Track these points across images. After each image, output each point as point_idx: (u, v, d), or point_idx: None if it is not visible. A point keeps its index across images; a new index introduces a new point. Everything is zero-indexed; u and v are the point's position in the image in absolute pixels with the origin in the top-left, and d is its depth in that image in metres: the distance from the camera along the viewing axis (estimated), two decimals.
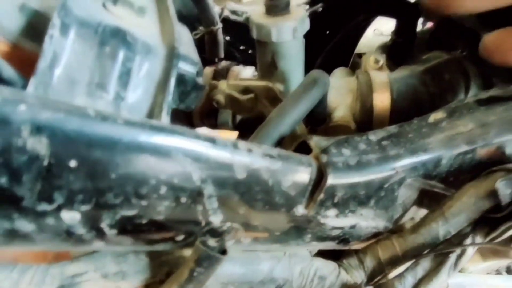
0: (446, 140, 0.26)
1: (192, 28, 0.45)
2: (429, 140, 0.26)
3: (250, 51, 0.50)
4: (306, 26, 0.33)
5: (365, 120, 0.35)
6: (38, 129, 0.14)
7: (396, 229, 0.30)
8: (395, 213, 0.29)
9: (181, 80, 0.27)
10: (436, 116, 0.28)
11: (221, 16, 0.46)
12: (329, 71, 0.51)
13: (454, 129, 0.27)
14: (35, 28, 0.28)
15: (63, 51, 0.19)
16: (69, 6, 0.20)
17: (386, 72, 0.37)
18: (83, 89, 0.20)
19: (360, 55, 0.66)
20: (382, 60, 0.37)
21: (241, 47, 0.50)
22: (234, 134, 0.38)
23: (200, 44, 0.43)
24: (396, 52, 0.49)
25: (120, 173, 0.16)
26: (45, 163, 0.14)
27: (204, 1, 0.37)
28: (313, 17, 0.49)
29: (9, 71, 0.17)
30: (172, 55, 0.23)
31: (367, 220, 0.27)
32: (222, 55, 0.41)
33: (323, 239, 0.28)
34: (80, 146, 0.15)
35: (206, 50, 0.40)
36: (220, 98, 0.33)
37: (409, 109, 0.35)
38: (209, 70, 0.39)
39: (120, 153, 0.16)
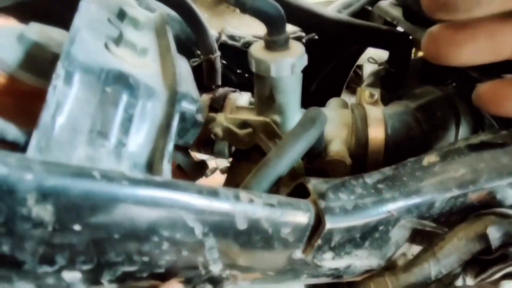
0: (438, 184, 0.27)
1: (190, 53, 0.46)
2: (422, 184, 0.27)
3: (246, 75, 0.50)
4: (304, 61, 0.34)
5: (360, 154, 0.36)
6: (43, 197, 0.14)
7: (388, 265, 0.31)
8: (388, 252, 0.29)
9: (181, 117, 0.27)
10: (429, 159, 0.29)
11: (218, 40, 0.47)
12: (323, 97, 0.52)
13: (446, 174, 0.27)
14: (34, 59, 0.28)
15: (66, 100, 0.19)
16: (73, 54, 0.20)
17: (381, 108, 0.37)
18: (84, 137, 0.20)
19: (358, 67, 0.67)
20: (377, 94, 0.38)
21: (238, 71, 0.50)
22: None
23: (197, 68, 0.43)
24: (389, 82, 0.50)
25: (124, 233, 0.16)
26: (49, 229, 0.14)
27: (203, 30, 0.38)
28: (309, 44, 0.49)
29: (14, 132, 0.17)
30: (174, 100, 0.23)
31: (361, 260, 0.28)
32: (219, 82, 0.41)
33: (318, 277, 0.28)
34: (85, 210, 0.15)
35: (204, 77, 0.41)
36: (218, 131, 0.33)
37: (402, 144, 0.36)
38: (206, 97, 0.39)
39: (124, 214, 0.16)
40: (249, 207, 0.20)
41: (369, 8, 0.50)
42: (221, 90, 0.40)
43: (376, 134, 0.35)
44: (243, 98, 0.41)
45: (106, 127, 0.20)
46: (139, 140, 0.21)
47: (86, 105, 0.20)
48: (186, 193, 0.18)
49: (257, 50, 0.33)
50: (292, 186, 0.28)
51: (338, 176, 0.37)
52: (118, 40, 0.24)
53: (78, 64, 0.20)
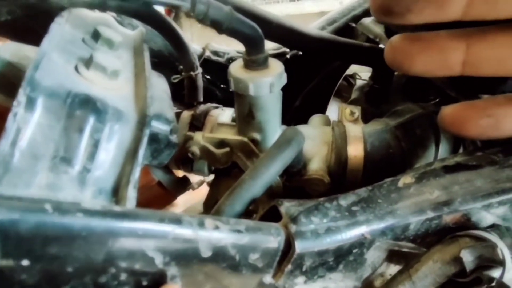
0: (413, 207, 0.27)
1: (173, 68, 0.46)
2: (397, 206, 0.27)
3: (230, 90, 0.50)
4: (283, 80, 0.34)
5: (339, 172, 0.36)
6: None
7: (365, 287, 0.31)
8: (364, 273, 0.29)
9: (154, 138, 0.27)
10: (405, 180, 0.29)
11: (202, 56, 0.47)
12: (307, 112, 0.52)
13: (422, 196, 0.27)
14: (6, 79, 0.28)
15: (27, 126, 0.19)
16: (37, 79, 0.20)
17: (361, 126, 0.37)
18: (46, 164, 0.19)
19: (351, 76, 0.67)
20: (357, 112, 0.38)
21: (222, 86, 0.50)
22: None
23: (180, 84, 0.43)
24: (373, 97, 0.50)
25: (78, 266, 0.16)
26: None
27: (183, 47, 0.38)
28: (293, 60, 0.50)
29: None
30: (144, 124, 0.23)
31: (336, 282, 0.28)
32: (201, 99, 0.41)
33: None
34: (35, 244, 0.15)
35: (185, 94, 0.41)
36: (196, 150, 0.33)
37: (382, 162, 0.36)
38: (187, 114, 0.39)
39: (78, 247, 0.16)
40: (214, 234, 0.20)
41: (353, 25, 0.50)
42: (202, 107, 0.40)
43: (355, 152, 0.35)
44: (225, 114, 0.41)
45: (70, 153, 0.20)
46: (105, 165, 0.21)
47: (49, 130, 0.20)
48: (146, 222, 0.18)
49: (236, 69, 0.33)
50: (266, 208, 0.27)
51: (317, 194, 0.37)
52: (88, 62, 0.24)
53: (42, 89, 0.20)
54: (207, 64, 0.47)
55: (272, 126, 0.37)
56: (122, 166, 0.22)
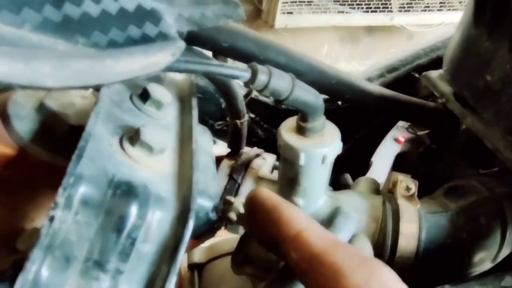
0: None
1: (217, 104, 0.43)
2: None
3: (274, 130, 0.47)
4: (337, 151, 0.31)
5: (386, 256, 0.32)
6: None
7: None
8: None
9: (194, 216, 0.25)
10: None
11: (249, 95, 0.44)
12: (352, 161, 0.48)
13: None
14: (49, 131, 0.26)
15: (62, 225, 0.17)
16: (78, 172, 0.18)
17: (417, 206, 0.33)
18: (78, 267, 0.17)
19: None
20: (414, 188, 0.34)
21: (265, 125, 0.47)
22: None
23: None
24: (429, 157, 0.46)
25: None
26: None
27: (233, 95, 0.35)
28: (344, 107, 0.46)
29: None
30: (186, 219, 0.20)
31: None
32: (243, 147, 0.39)
33: None
34: None
35: (228, 141, 0.38)
36: (233, 216, 0.30)
37: (437, 253, 0.32)
38: (226, 164, 0.37)
39: None
40: None
41: (416, 75, 0.46)
42: (244, 157, 0.37)
43: (408, 237, 0.32)
44: (267, 164, 0.39)
45: (104, 256, 0.18)
46: (139, 266, 0.19)
47: (86, 229, 0.18)
48: None
49: (287, 133, 0.30)
50: None
51: None
52: (134, 139, 0.22)
53: (83, 181, 0.18)
54: (253, 103, 0.45)
55: (318, 192, 0.34)
56: (157, 266, 0.20)
